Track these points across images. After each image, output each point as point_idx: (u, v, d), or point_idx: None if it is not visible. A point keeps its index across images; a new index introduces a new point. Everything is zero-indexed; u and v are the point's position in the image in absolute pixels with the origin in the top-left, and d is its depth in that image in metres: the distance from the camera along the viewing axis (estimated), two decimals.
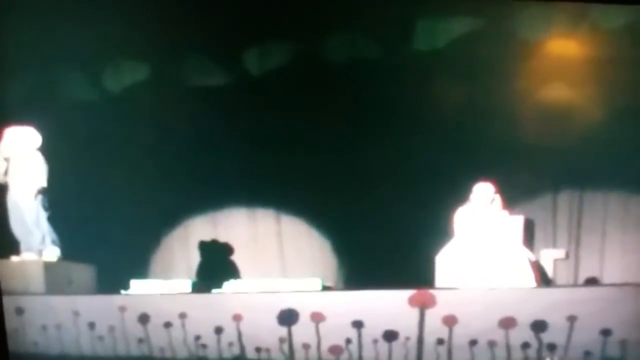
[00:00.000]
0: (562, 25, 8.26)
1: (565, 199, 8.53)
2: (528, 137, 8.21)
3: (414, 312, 6.80)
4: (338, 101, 8.42)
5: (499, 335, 6.67)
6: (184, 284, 7.94)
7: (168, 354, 7.22)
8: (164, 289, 7.82)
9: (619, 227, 8.35)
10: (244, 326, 7.09)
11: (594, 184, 8.41)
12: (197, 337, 7.18)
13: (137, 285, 7.89)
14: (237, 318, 7.10)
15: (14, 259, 8.01)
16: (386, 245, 8.25)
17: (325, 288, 7.78)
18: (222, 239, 8.84)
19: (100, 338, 7.39)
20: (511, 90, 8.32)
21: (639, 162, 8.00)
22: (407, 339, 6.82)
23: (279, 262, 8.91)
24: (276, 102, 8.47)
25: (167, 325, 7.23)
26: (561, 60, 8.26)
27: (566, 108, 8.28)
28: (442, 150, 8.27)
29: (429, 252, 7.63)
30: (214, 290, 7.79)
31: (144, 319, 7.29)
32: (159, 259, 8.97)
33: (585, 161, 8.24)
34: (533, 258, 7.67)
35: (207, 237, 8.83)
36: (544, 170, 8.35)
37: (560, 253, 8.08)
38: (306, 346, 6.97)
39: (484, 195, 7.80)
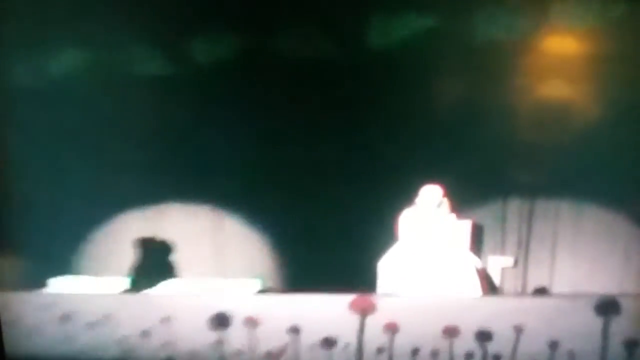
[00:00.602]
0: (522, 25, 8.29)
1: (515, 205, 8.49)
2: (478, 138, 8.19)
3: (354, 318, 6.75)
4: (283, 97, 8.40)
5: (442, 345, 6.62)
6: (113, 282, 7.89)
7: (91, 357, 7.14)
8: (90, 287, 7.77)
9: (570, 236, 8.34)
10: (172, 330, 7.00)
11: (547, 190, 8.37)
12: (122, 340, 7.08)
13: (62, 283, 7.83)
14: (165, 321, 7.01)
15: None
16: (328, 247, 8.26)
17: (265, 290, 7.85)
18: (156, 235, 8.77)
19: (23, 336, 7.25)
20: (462, 90, 8.36)
21: (592, 169, 7.98)
22: (346, 346, 6.77)
23: (217, 261, 8.81)
24: (219, 95, 8.45)
25: (91, 326, 7.15)
26: (518, 61, 8.28)
27: (519, 110, 8.28)
28: (389, 150, 8.29)
29: (372, 255, 7.59)
30: (144, 291, 7.75)
31: (67, 318, 7.20)
32: (88, 255, 8.87)
33: (537, 166, 8.24)
34: (480, 265, 7.67)
35: (141, 234, 8.75)
36: (494, 174, 8.32)
37: (508, 261, 8.13)
38: (239, 352, 6.90)
39: (431, 197, 7.74)
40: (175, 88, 8.64)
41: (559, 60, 8.30)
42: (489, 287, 7.70)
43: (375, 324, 6.73)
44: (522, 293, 8.21)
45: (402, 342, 6.67)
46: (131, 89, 8.61)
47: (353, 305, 6.76)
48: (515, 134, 8.23)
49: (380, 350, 6.70)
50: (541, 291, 8.22)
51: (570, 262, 8.28)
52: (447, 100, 8.34)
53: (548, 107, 8.30)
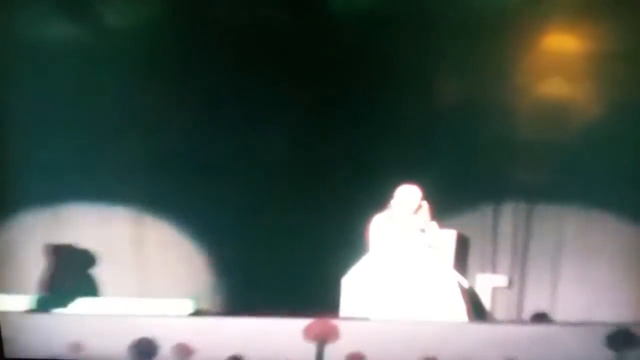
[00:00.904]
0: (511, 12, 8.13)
1: (510, 213, 8.25)
2: (466, 131, 7.97)
3: (311, 347, 6.46)
4: (219, 72, 8.07)
5: None
6: (11, 300, 7.61)
7: None
8: None
9: (576, 251, 8.10)
10: (84, 358, 6.60)
11: (548, 194, 8.12)
12: None
13: None
14: (75, 348, 6.61)
15: None
16: (279, 259, 7.96)
17: (199, 312, 7.66)
18: (65, 243, 8.24)
19: None
20: (447, 74, 8.14)
21: (602, 170, 7.81)
22: None
23: (140, 276, 8.37)
24: (139, 69, 8.06)
25: None
26: (514, 42, 8.04)
27: (515, 100, 8.08)
28: (356, 142, 8.01)
29: (334, 269, 7.24)
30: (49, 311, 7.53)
31: None
32: None
33: (537, 166, 8.07)
34: (466, 284, 7.38)
35: (45, 240, 8.22)
36: (485, 173, 8.10)
37: (500, 280, 7.96)
38: None
39: (407, 200, 7.31)
40: (84, 58, 8.13)
41: (557, 49, 8.10)
42: (477, 311, 7.47)
43: (336, 353, 6.41)
44: (517, 319, 8.05)
45: None
46: (24, 57, 8.10)
47: (309, 331, 6.45)
48: (510, 127, 8.06)
49: None
50: (540, 317, 8.02)
51: (576, 282, 8.06)
52: (428, 84, 8.11)
53: (550, 99, 8.10)
